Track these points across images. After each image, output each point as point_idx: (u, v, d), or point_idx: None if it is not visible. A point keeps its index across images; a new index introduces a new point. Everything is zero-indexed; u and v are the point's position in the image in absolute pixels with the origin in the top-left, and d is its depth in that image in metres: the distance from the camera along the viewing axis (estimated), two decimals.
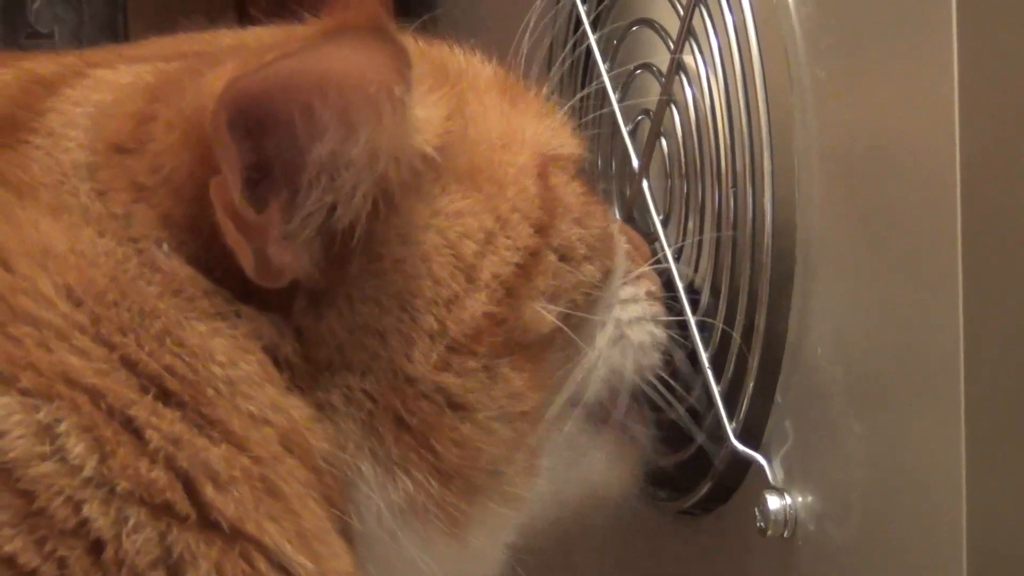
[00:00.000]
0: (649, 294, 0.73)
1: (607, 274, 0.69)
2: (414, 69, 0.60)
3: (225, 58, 0.61)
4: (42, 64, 0.64)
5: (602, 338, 0.69)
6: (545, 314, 0.65)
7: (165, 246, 0.58)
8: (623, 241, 0.72)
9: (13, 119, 0.61)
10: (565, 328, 0.66)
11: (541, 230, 0.66)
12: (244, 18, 1.20)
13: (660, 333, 0.73)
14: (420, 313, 0.62)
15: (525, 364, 0.64)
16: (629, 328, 0.71)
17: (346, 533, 0.60)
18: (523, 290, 0.64)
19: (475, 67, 0.70)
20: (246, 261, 0.58)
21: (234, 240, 0.58)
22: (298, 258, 0.59)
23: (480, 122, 0.66)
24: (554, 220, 0.66)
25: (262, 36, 0.68)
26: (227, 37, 0.69)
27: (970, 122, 0.63)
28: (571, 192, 0.68)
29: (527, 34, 0.73)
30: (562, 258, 0.66)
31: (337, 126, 0.58)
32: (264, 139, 0.57)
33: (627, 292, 0.71)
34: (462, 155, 0.64)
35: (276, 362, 0.59)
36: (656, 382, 0.73)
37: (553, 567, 0.88)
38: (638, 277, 0.73)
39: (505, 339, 0.64)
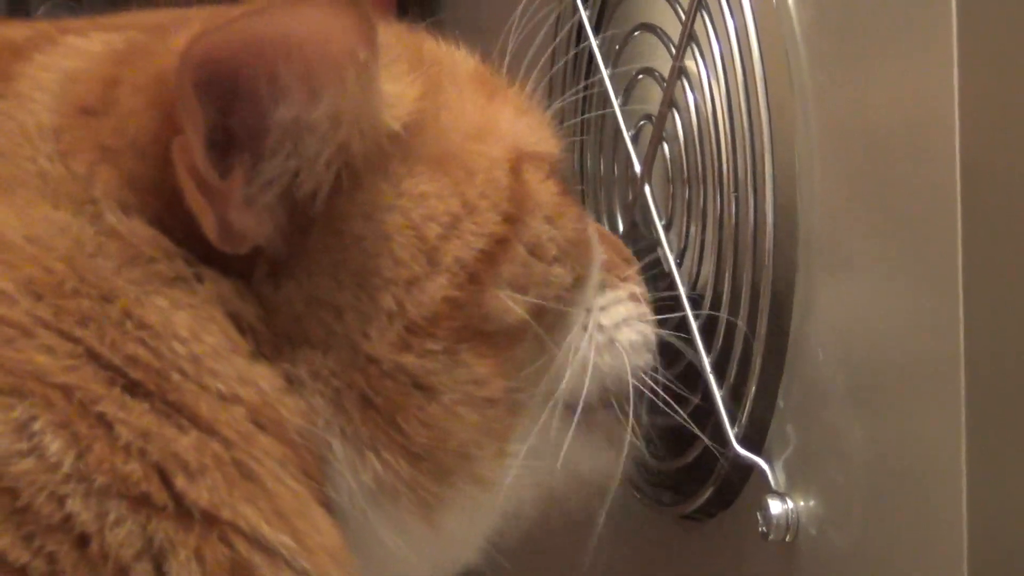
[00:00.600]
0: (632, 296, 0.72)
1: (579, 280, 0.68)
2: (382, 41, 0.60)
3: (193, 22, 0.61)
4: (15, 30, 0.64)
5: (582, 341, 0.68)
6: (511, 304, 0.64)
7: (124, 211, 0.58)
8: (601, 249, 0.72)
9: None
10: (534, 324, 0.65)
11: (509, 220, 0.65)
12: None
13: (649, 332, 0.73)
14: (378, 292, 0.62)
15: (488, 352, 0.64)
16: (617, 331, 0.70)
17: (328, 505, 0.60)
18: (486, 276, 0.64)
19: (455, 58, 0.69)
20: (208, 225, 0.58)
21: (196, 203, 0.57)
22: (261, 224, 0.59)
23: (455, 110, 0.66)
24: (524, 214, 0.66)
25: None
26: (208, 11, 0.68)
27: (970, 124, 0.63)
28: (545, 190, 0.67)
29: (516, 31, 0.73)
30: (530, 252, 0.66)
31: (300, 88, 0.58)
32: (228, 101, 0.57)
33: (607, 297, 0.71)
34: (432, 139, 0.64)
35: (239, 328, 0.59)
36: (654, 384, 0.73)
37: (556, 569, 0.88)
38: (622, 280, 0.72)
39: (465, 324, 0.63)
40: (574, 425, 0.68)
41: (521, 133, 0.68)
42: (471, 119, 0.66)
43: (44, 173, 0.58)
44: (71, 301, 0.56)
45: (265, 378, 0.59)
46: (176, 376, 0.57)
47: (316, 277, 0.61)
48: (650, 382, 0.72)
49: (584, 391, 0.69)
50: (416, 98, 0.64)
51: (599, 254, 0.71)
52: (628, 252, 0.76)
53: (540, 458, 0.68)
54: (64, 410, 0.54)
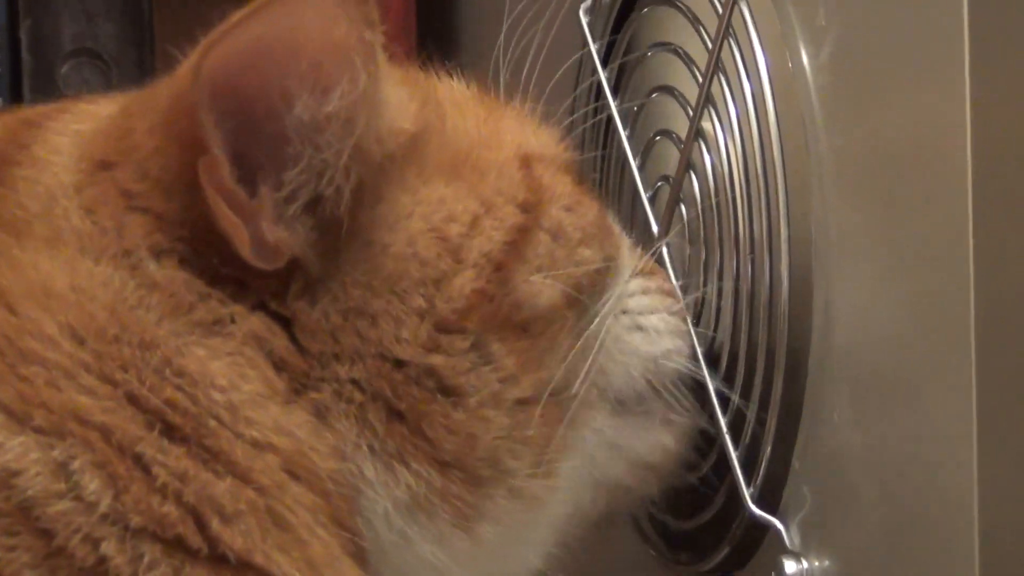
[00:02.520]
0: (660, 288, 0.74)
1: (609, 261, 0.69)
2: (381, 42, 0.61)
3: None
4: (30, 110, 0.66)
5: (616, 327, 0.69)
6: (541, 287, 0.65)
7: (156, 258, 0.59)
8: (629, 243, 0.73)
9: (5, 158, 0.62)
10: (565, 308, 0.66)
11: (527, 209, 0.66)
12: None
13: (675, 321, 0.73)
14: (408, 294, 0.63)
15: (516, 344, 0.65)
16: (643, 317, 0.71)
17: (358, 555, 0.60)
18: (513, 264, 0.65)
19: (450, 82, 0.71)
20: (241, 242, 0.59)
21: (228, 221, 0.58)
22: (293, 235, 0.60)
23: (458, 122, 0.67)
24: (541, 203, 0.67)
25: None
26: None
27: (980, 185, 0.63)
28: (559, 182, 0.69)
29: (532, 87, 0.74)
30: (553, 238, 0.67)
31: (311, 83, 0.59)
32: (245, 111, 0.58)
33: (638, 284, 0.72)
34: (441, 148, 0.66)
35: (273, 365, 0.60)
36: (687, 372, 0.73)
37: None
38: (652, 273, 0.74)
39: (495, 312, 0.64)
40: (630, 418, 0.69)
41: (526, 138, 0.70)
42: (475, 130, 0.68)
43: (77, 230, 0.60)
44: (112, 347, 0.57)
45: (300, 425, 0.60)
46: (213, 422, 0.57)
47: (351, 288, 0.62)
48: (690, 365, 0.73)
49: (630, 380, 0.69)
50: (419, 108, 0.65)
51: (626, 240, 0.73)
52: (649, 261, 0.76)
53: (600, 460, 0.68)
54: (103, 450, 0.55)
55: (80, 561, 0.54)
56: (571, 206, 0.69)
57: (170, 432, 0.57)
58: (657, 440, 0.73)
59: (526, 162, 0.68)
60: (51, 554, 0.53)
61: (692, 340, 0.76)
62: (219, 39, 0.57)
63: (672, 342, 0.73)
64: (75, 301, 0.58)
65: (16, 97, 1.19)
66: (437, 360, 0.63)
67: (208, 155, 0.57)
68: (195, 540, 0.55)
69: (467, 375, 0.63)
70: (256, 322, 0.60)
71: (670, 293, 0.75)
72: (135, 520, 0.55)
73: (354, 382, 0.62)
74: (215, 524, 0.56)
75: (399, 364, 0.62)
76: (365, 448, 0.62)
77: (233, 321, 0.60)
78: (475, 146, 0.67)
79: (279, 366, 0.60)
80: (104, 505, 0.54)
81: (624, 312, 0.71)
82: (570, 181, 0.70)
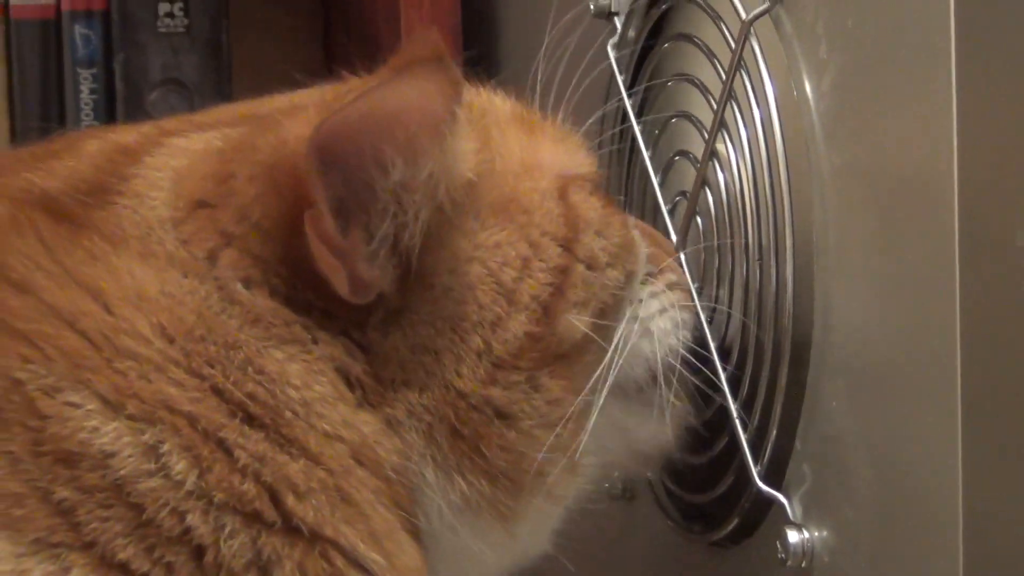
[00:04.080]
0: (670, 284, 0.72)
1: (630, 276, 0.68)
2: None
3: (293, 112, 0.62)
4: (124, 135, 0.65)
5: (630, 333, 0.68)
6: (577, 323, 0.65)
7: (247, 287, 0.59)
8: (644, 244, 0.71)
9: (102, 185, 0.62)
10: (593, 334, 0.65)
11: (568, 247, 0.65)
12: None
13: (681, 316, 0.72)
14: (468, 334, 0.62)
15: (562, 372, 0.64)
16: (652, 321, 0.70)
17: (414, 533, 0.61)
18: (558, 306, 0.64)
19: (495, 103, 0.70)
20: (339, 282, 0.59)
21: (329, 265, 0.58)
22: (384, 274, 0.60)
23: (504, 154, 0.66)
24: (578, 235, 0.66)
25: (311, 94, 0.68)
26: (278, 100, 0.69)
27: (966, 196, 0.63)
28: (590, 207, 0.67)
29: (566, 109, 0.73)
30: (588, 267, 0.66)
31: (405, 154, 0.59)
32: (346, 174, 0.58)
33: (648, 289, 0.70)
34: (492, 187, 0.64)
35: (348, 382, 0.60)
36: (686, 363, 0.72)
37: None
38: (660, 271, 0.72)
39: (543, 352, 0.64)
40: (634, 405, 0.69)
41: (561, 160, 0.68)
42: (518, 157, 0.67)
43: (171, 254, 0.59)
44: (199, 345, 0.57)
45: (367, 423, 0.59)
46: (289, 414, 0.57)
47: (418, 326, 0.61)
48: (688, 355, 0.72)
49: (636, 376, 0.69)
50: (476, 151, 0.64)
51: (643, 249, 0.71)
52: (668, 243, 0.75)
53: (610, 446, 0.68)
54: (189, 435, 0.55)
55: (167, 531, 0.54)
56: (601, 229, 0.68)
57: (250, 420, 0.56)
58: (657, 429, 0.72)
59: (563, 191, 0.67)
60: (141, 524, 0.54)
61: (703, 328, 0.76)
62: (332, 116, 0.56)
63: (676, 337, 0.72)
64: (166, 305, 0.58)
65: (110, 121, 1.20)
66: (494, 392, 0.62)
67: (314, 209, 0.57)
68: (271, 514, 0.55)
69: (520, 403, 0.63)
70: (338, 346, 0.60)
71: (677, 284, 0.74)
72: (218, 496, 0.55)
73: (424, 406, 0.61)
74: (289, 500, 0.56)
75: (461, 394, 0.62)
76: (429, 458, 0.62)
77: (315, 342, 0.59)
78: (518, 178, 0.66)
79: (352, 384, 0.60)
80: (190, 483, 0.54)
81: (635, 318, 0.70)
82: (599, 200, 0.69)
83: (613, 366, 0.67)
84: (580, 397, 0.65)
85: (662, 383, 0.70)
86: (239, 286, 0.59)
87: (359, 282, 0.59)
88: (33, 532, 0.52)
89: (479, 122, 0.65)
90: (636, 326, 0.69)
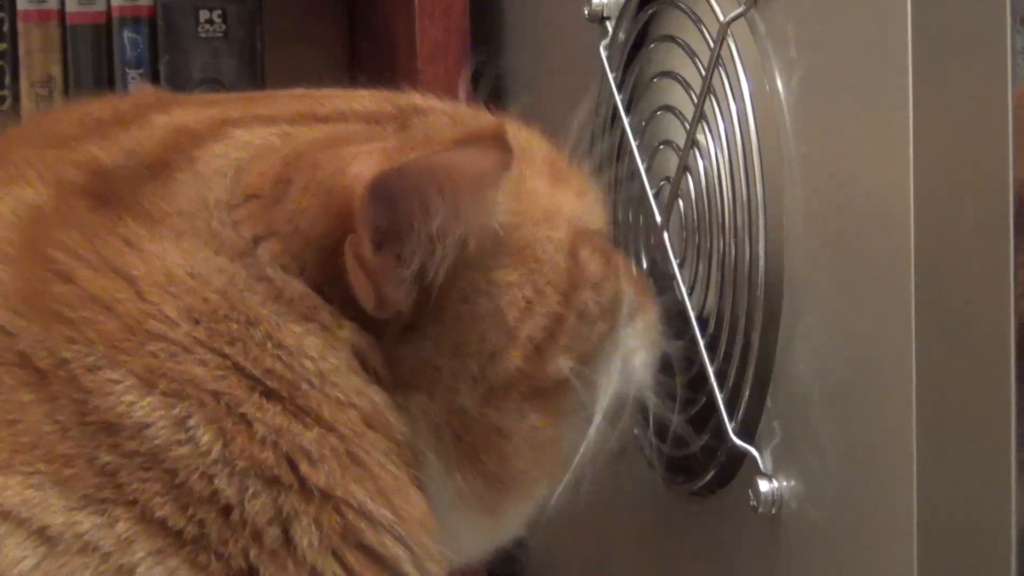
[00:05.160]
0: (646, 325, 0.71)
1: (613, 327, 0.68)
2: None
3: (353, 137, 0.61)
4: (190, 116, 0.64)
5: (610, 372, 0.68)
6: (562, 365, 0.64)
7: (284, 270, 0.58)
8: (630, 292, 0.70)
9: (166, 161, 0.61)
10: (576, 375, 0.65)
11: (566, 298, 0.65)
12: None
13: (655, 354, 0.72)
14: (467, 359, 0.62)
15: (543, 404, 0.64)
16: (628, 360, 0.70)
17: (422, 488, 0.61)
18: (549, 349, 0.64)
19: (532, 145, 0.69)
20: (367, 299, 0.58)
21: (360, 283, 0.58)
22: (407, 296, 0.60)
23: (531, 198, 0.65)
24: (577, 289, 0.65)
25: (366, 102, 0.68)
26: (337, 99, 0.68)
27: (923, 185, 0.63)
28: (593, 263, 0.67)
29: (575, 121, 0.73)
30: (579, 318, 0.65)
31: (449, 208, 0.59)
32: (392, 209, 0.58)
33: (628, 331, 0.70)
34: (516, 231, 0.64)
35: (364, 366, 0.59)
36: (656, 397, 0.72)
37: (582, 535, 0.89)
38: (641, 308, 0.71)
39: (531, 387, 0.63)
40: (604, 428, 0.68)
41: (579, 213, 0.67)
42: (542, 204, 0.66)
43: (214, 232, 0.59)
44: (222, 325, 0.57)
45: (378, 395, 0.59)
46: (304, 386, 0.57)
47: (426, 342, 0.61)
48: (651, 394, 0.72)
49: (611, 405, 0.68)
50: (511, 198, 0.63)
51: (629, 297, 0.70)
52: (645, 283, 0.75)
53: (583, 458, 0.68)
54: (214, 409, 0.55)
55: (198, 493, 0.54)
56: (598, 284, 0.66)
57: (268, 394, 0.56)
58: (615, 445, 0.72)
59: (574, 246, 0.66)
60: (175, 486, 0.54)
61: (685, 300, 0.75)
62: (392, 168, 0.56)
63: (645, 375, 0.71)
64: (192, 286, 0.57)
65: None
66: (491, 413, 0.62)
67: (357, 234, 0.57)
68: (288, 478, 0.56)
69: (511, 425, 0.63)
70: (361, 336, 0.59)
71: (654, 325, 0.72)
72: (240, 464, 0.55)
73: (433, 410, 0.61)
74: (304, 466, 0.56)
75: (463, 408, 0.62)
76: (434, 450, 0.61)
77: (340, 328, 0.59)
78: (540, 224, 0.65)
79: (369, 371, 0.59)
80: (215, 452, 0.55)
81: (615, 359, 0.69)
82: (601, 259, 0.67)
83: (594, 402, 0.67)
84: (561, 426, 0.66)
85: (629, 412, 0.70)
86: (275, 269, 0.58)
87: (384, 300, 0.59)
88: (82, 489, 0.53)
89: (515, 167, 0.63)
90: (614, 367, 0.69)
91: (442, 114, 0.68)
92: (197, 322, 0.57)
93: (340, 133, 0.63)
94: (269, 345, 0.57)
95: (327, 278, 0.59)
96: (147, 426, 0.54)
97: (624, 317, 0.69)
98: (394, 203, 0.58)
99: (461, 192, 0.58)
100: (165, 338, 0.56)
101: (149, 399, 0.55)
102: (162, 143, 0.62)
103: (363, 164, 0.58)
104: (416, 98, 0.68)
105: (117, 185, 0.60)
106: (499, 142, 0.59)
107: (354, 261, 0.58)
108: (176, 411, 0.55)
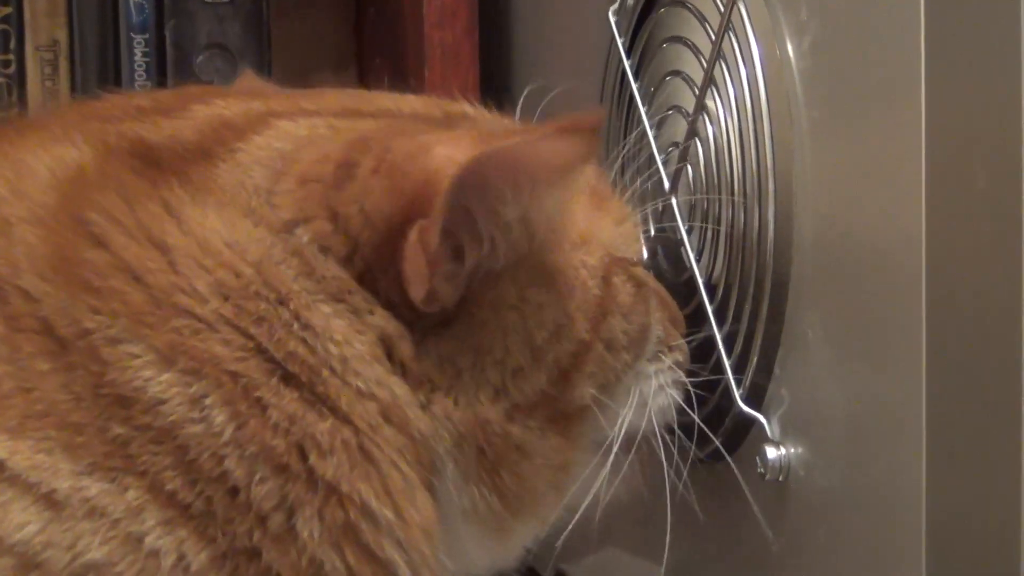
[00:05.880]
0: (671, 366, 0.70)
1: (637, 357, 0.67)
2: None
3: (411, 130, 0.60)
4: (232, 108, 0.64)
5: (628, 405, 0.67)
6: (584, 392, 0.64)
7: (323, 253, 0.58)
8: (660, 318, 0.69)
9: (207, 150, 0.60)
10: (597, 404, 0.64)
11: (595, 326, 0.64)
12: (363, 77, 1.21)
13: (676, 397, 0.70)
14: (488, 368, 0.61)
15: (563, 428, 0.63)
16: (652, 399, 0.68)
17: (432, 490, 0.60)
18: (574, 375, 0.63)
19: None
20: (419, 287, 0.57)
21: (417, 273, 0.57)
22: (454, 292, 0.59)
23: (571, 219, 0.64)
24: (607, 317, 0.64)
25: (414, 104, 0.67)
26: (383, 99, 0.67)
27: (935, 148, 0.63)
28: (625, 292, 0.66)
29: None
30: (606, 347, 0.65)
31: (527, 195, 0.58)
32: (472, 202, 0.57)
33: (652, 368, 0.69)
34: (553, 250, 0.63)
35: (390, 357, 0.58)
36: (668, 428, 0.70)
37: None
38: (670, 349, 0.70)
39: (553, 410, 0.63)
40: (613, 459, 0.67)
41: (616, 242, 0.66)
42: (581, 227, 0.65)
43: (253, 208, 0.58)
44: (251, 302, 0.56)
45: (400, 387, 0.58)
46: (325, 372, 0.56)
47: (450, 340, 0.60)
48: (666, 434, 0.70)
49: (625, 438, 0.67)
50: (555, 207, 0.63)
51: (657, 330, 0.69)
52: (679, 314, 0.73)
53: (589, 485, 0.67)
54: (231, 391, 0.55)
55: (208, 471, 0.54)
56: (628, 313, 0.65)
57: (287, 380, 0.56)
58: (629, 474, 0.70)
59: (608, 273, 0.65)
60: (186, 462, 0.54)
61: (693, 265, 0.75)
62: (491, 150, 0.56)
63: (665, 416, 0.70)
64: (227, 258, 0.57)
65: (161, 81, 1.20)
66: (514, 430, 0.61)
67: (430, 218, 0.56)
68: (297, 467, 0.55)
69: (534, 444, 0.62)
70: (390, 324, 0.58)
71: (681, 364, 0.71)
72: (251, 448, 0.55)
73: (457, 417, 0.60)
74: (313, 457, 0.55)
75: (487, 420, 0.61)
76: (453, 459, 0.60)
77: (371, 313, 0.58)
78: (577, 248, 0.64)
79: (394, 360, 0.59)
80: (227, 434, 0.54)
81: (636, 393, 0.68)
82: (634, 285, 0.66)
83: (612, 434, 0.66)
84: (579, 451, 0.65)
85: (644, 445, 0.69)
86: (311, 248, 0.57)
87: (434, 293, 0.58)
88: (90, 457, 0.53)
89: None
90: (635, 400, 0.67)
91: (493, 123, 0.67)
92: (226, 299, 0.56)
93: (398, 125, 0.62)
94: (296, 326, 0.56)
95: (379, 264, 0.58)
96: (162, 402, 0.54)
97: (650, 349, 0.68)
98: (476, 188, 0.57)
99: (541, 180, 0.58)
100: (191, 314, 0.55)
101: (167, 375, 0.54)
102: (201, 133, 0.61)
103: (453, 148, 0.56)
104: (466, 106, 0.68)
105: (163, 154, 0.60)
106: (587, 136, 0.58)
107: (418, 247, 0.56)
108: (193, 389, 0.54)
